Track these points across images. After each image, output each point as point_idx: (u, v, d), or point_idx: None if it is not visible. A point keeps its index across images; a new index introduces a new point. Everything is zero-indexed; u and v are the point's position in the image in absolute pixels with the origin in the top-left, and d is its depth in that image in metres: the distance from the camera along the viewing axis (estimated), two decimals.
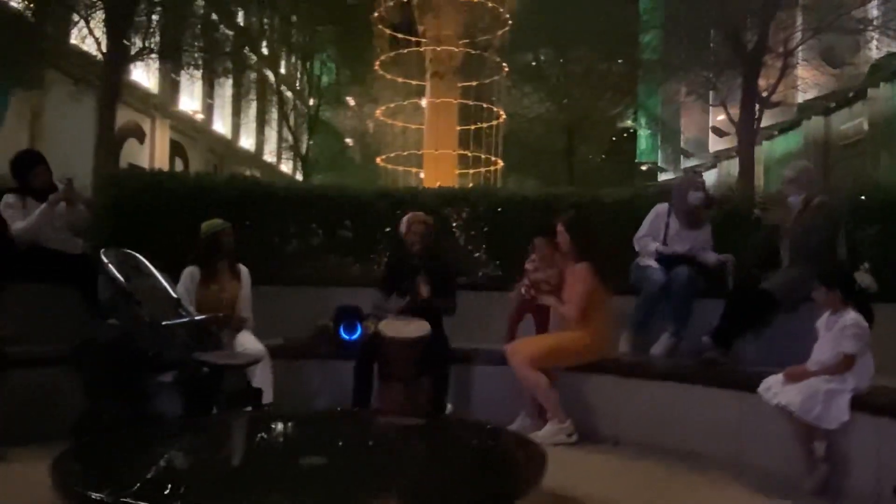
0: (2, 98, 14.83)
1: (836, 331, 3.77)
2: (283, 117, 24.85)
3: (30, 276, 4.94)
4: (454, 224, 6.64)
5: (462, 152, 15.79)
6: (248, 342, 4.76)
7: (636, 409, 4.80)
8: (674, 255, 5.32)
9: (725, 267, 5.29)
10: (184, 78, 20.49)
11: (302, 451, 3.27)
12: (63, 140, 15.30)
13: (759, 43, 15.51)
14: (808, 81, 19.29)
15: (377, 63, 15.80)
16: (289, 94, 24.97)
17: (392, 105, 17.08)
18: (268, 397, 4.54)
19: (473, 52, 15.23)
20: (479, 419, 4.63)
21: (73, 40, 15.20)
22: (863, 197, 5.68)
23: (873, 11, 16.84)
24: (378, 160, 17.29)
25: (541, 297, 4.98)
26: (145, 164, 19.56)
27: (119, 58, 13.80)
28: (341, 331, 5.40)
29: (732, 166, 21.97)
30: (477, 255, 6.64)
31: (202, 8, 16.54)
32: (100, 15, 13.72)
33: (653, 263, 5.35)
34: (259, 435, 3.69)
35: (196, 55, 16.61)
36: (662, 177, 29.39)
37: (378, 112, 17.94)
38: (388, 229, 6.43)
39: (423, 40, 15.05)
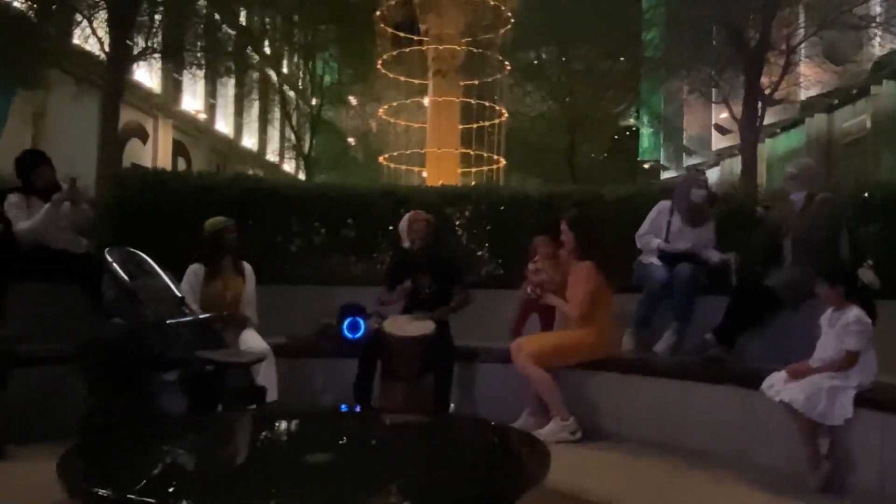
0: (5, 98, 14.86)
1: (840, 328, 3.77)
2: (285, 116, 24.87)
3: (34, 276, 4.95)
4: (457, 223, 6.64)
5: (464, 151, 15.80)
6: (252, 340, 4.77)
7: (639, 406, 4.81)
8: (676, 253, 5.32)
9: (728, 265, 5.29)
10: (186, 77, 20.53)
11: (305, 449, 3.28)
12: (66, 140, 15.34)
13: (761, 40, 15.49)
14: (810, 79, 19.27)
15: (379, 62, 15.81)
16: (291, 93, 24.97)
17: (394, 104, 17.09)
18: (272, 395, 4.55)
19: (476, 50, 15.24)
20: (482, 417, 4.65)
21: (76, 40, 15.22)
22: (865, 194, 5.67)
23: (876, 8, 16.82)
24: (380, 159, 17.31)
25: (545, 296, 4.99)
26: (148, 163, 19.59)
27: (122, 57, 13.83)
28: (344, 329, 5.42)
29: (735, 164, 21.93)
30: (480, 253, 6.65)
31: (204, 7, 16.54)
32: (102, 15, 13.76)
33: (655, 261, 5.35)
34: (263, 433, 3.70)
35: (198, 55, 16.63)
36: (665, 175, 29.32)
37: (380, 111, 17.97)
38: (390, 228, 6.44)
39: (426, 39, 15.06)
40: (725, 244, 5.46)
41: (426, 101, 16.18)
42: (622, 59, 21.36)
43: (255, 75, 24.04)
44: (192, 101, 24.04)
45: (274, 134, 30.23)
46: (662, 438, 4.61)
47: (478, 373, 5.27)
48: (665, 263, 5.29)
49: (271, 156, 30.74)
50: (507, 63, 15.77)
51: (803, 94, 20.85)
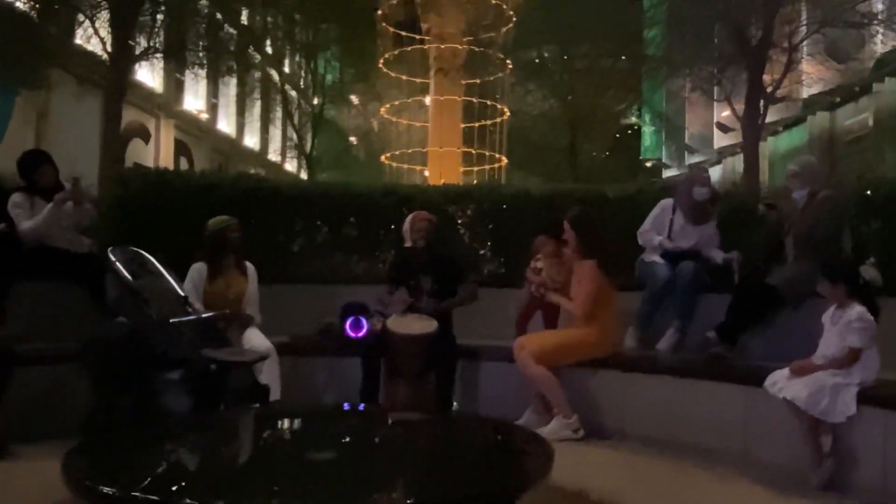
0: (8, 98, 14.88)
1: (842, 325, 3.76)
2: (287, 116, 24.86)
3: (36, 275, 4.97)
4: (459, 221, 6.65)
5: (466, 149, 15.81)
6: (255, 339, 4.78)
7: (642, 404, 4.81)
8: (679, 251, 5.32)
9: (731, 263, 5.30)
10: (188, 77, 20.57)
11: (308, 448, 3.29)
12: (68, 139, 15.37)
13: (763, 38, 15.46)
14: (812, 76, 19.23)
15: (381, 61, 15.83)
16: (293, 92, 24.98)
17: (396, 103, 17.12)
18: (275, 394, 4.55)
19: (477, 49, 15.25)
20: (485, 415, 4.65)
21: (78, 40, 15.23)
22: (868, 192, 5.67)
23: (878, 5, 16.79)
24: (383, 158, 17.32)
25: (547, 295, 4.99)
26: (150, 163, 19.61)
27: (124, 57, 13.84)
28: (347, 328, 5.42)
29: (737, 162, 21.91)
30: (482, 251, 6.65)
31: (206, 7, 16.55)
32: (104, 15, 13.77)
33: (658, 259, 5.35)
34: (266, 431, 3.70)
35: (200, 54, 16.63)
36: (666, 173, 29.29)
37: (382, 110, 17.99)
38: (392, 227, 6.44)
39: (427, 38, 15.07)
40: (728, 242, 5.46)
41: (428, 99, 16.20)
42: (624, 57, 21.36)
43: (257, 75, 24.02)
44: (194, 100, 24.06)
45: (276, 133, 30.23)
46: (665, 436, 4.61)
47: (480, 371, 5.27)
48: (667, 261, 5.30)
49: (273, 155, 30.75)
50: (508, 62, 15.79)
51: (805, 92, 20.83)
